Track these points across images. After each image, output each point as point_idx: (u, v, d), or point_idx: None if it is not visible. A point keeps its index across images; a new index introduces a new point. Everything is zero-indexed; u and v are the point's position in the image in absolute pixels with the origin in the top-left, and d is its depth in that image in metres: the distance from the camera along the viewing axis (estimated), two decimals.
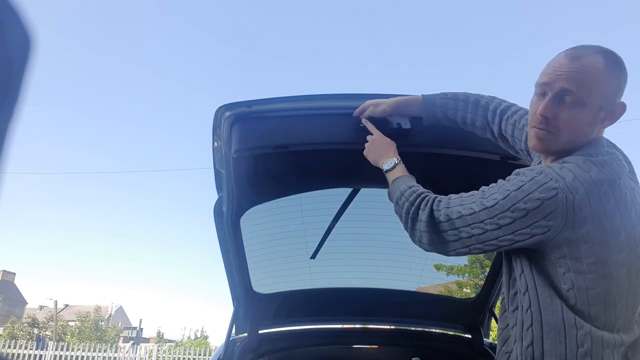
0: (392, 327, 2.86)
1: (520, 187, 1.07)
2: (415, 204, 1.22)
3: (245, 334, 2.51)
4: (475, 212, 1.11)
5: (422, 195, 1.23)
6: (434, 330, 2.88)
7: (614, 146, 1.21)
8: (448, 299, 2.89)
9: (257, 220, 2.09)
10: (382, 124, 1.55)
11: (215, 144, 1.66)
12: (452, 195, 1.20)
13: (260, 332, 2.52)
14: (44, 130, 56.44)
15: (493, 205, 1.09)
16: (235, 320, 2.45)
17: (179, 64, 61.81)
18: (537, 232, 1.05)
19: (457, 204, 1.16)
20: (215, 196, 1.99)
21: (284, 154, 1.63)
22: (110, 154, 57.24)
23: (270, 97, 1.56)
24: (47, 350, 16.42)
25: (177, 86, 58.91)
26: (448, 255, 1.22)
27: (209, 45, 62.23)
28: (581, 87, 1.10)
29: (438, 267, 2.80)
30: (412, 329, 2.82)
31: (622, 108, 1.15)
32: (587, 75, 1.11)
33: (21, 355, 16.09)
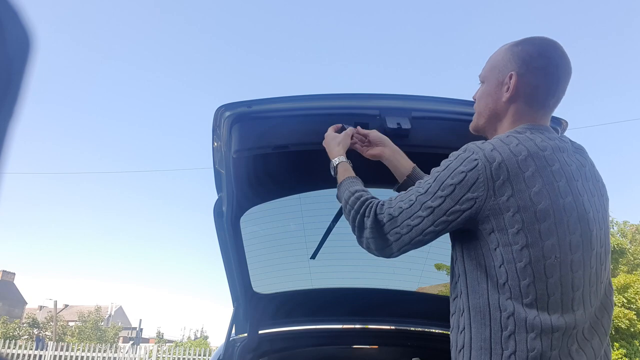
0: (392, 327, 2.85)
1: (447, 166, 1.12)
2: (360, 212, 1.21)
3: (245, 334, 2.50)
4: (413, 202, 1.14)
5: (367, 202, 1.22)
6: (434, 330, 2.88)
7: (571, 143, 1.23)
8: (448, 299, 2.88)
9: (257, 220, 2.09)
10: (381, 123, 1.55)
11: (215, 144, 1.66)
12: (394, 196, 1.22)
13: (260, 332, 2.52)
14: (44, 130, 56.44)
15: (426, 190, 1.13)
16: (235, 320, 2.45)
17: (179, 64, 61.80)
18: (466, 207, 1.08)
19: (398, 201, 1.17)
20: (215, 196, 1.99)
21: (284, 154, 1.63)
22: (111, 154, 57.25)
23: (270, 97, 1.56)
24: (46, 350, 16.41)
25: (177, 86, 58.90)
26: (393, 257, 1.21)
27: (209, 45, 62.20)
28: (485, 68, 1.30)
29: (438, 267, 2.79)
30: (412, 329, 2.82)
31: (511, 77, 1.21)
32: (490, 58, 1.30)
33: (21, 356, 16.08)
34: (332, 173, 1.42)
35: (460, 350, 1.12)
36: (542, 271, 1.04)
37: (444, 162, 1.15)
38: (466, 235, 1.14)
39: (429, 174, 1.18)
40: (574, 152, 1.20)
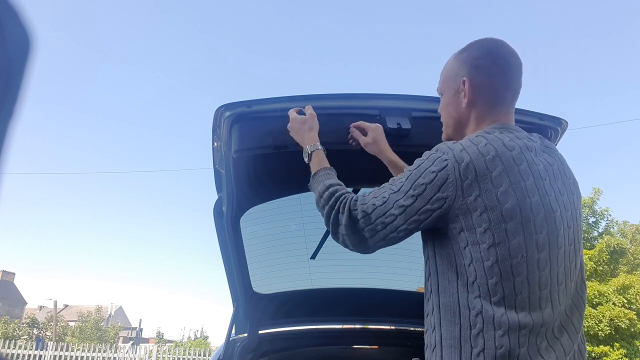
0: (392, 327, 2.85)
1: (418, 165, 1.14)
2: (335, 207, 1.21)
3: (245, 334, 2.50)
4: (386, 199, 1.15)
5: (341, 198, 1.22)
6: None
7: (538, 138, 1.24)
8: None
9: (257, 220, 2.09)
10: (381, 123, 1.55)
11: (215, 144, 1.66)
12: (368, 190, 1.23)
13: (260, 332, 2.52)
14: (44, 130, 56.45)
15: (399, 189, 1.14)
16: (235, 320, 2.45)
17: (179, 64, 61.81)
18: (436, 206, 1.09)
19: (372, 197, 1.18)
20: (215, 196, 1.99)
21: (284, 154, 1.63)
22: (111, 154, 57.27)
23: (270, 97, 1.56)
24: (46, 350, 16.41)
25: (177, 86, 58.90)
26: (369, 252, 1.22)
27: (209, 45, 62.19)
28: (440, 81, 1.35)
29: None
30: (412, 329, 2.81)
31: (464, 83, 1.25)
32: (442, 71, 1.35)
33: (21, 356, 16.08)
34: (306, 160, 1.41)
35: (433, 350, 1.13)
36: (509, 270, 1.05)
37: (417, 161, 1.16)
38: (438, 234, 1.15)
39: None
40: (542, 151, 1.21)
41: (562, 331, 1.13)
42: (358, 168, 1.54)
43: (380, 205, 1.15)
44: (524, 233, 1.07)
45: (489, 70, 1.24)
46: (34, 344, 17.21)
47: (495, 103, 1.25)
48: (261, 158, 1.63)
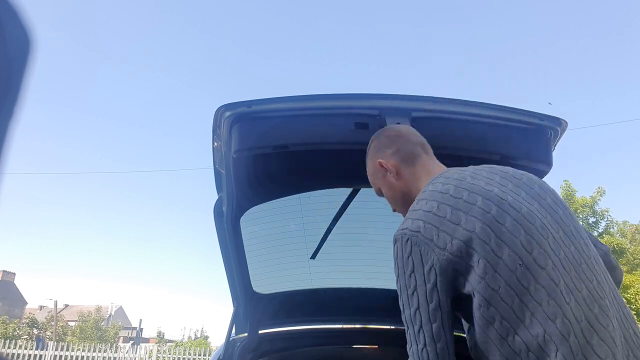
0: (392, 327, 2.85)
1: (397, 271, 1.16)
2: None
3: (245, 334, 2.50)
4: (406, 329, 1.17)
5: None
6: None
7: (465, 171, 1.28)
8: None
9: (257, 220, 2.09)
10: (381, 123, 1.55)
11: (215, 144, 1.66)
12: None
13: (260, 332, 2.52)
14: (44, 130, 56.46)
15: (403, 307, 1.16)
16: (235, 320, 2.45)
17: (179, 64, 61.82)
18: (433, 280, 1.10)
19: (410, 344, 1.18)
20: (215, 196, 1.99)
21: (284, 154, 1.63)
22: (111, 154, 57.28)
23: (270, 97, 1.56)
24: (47, 350, 16.42)
25: (177, 86, 58.91)
26: None
27: (209, 45, 62.19)
28: (372, 184, 1.47)
29: None
30: None
31: (381, 164, 1.39)
32: (369, 178, 1.47)
33: (21, 356, 16.08)
34: None
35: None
36: (518, 283, 1.04)
37: (396, 274, 1.17)
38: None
39: None
40: (480, 170, 1.26)
41: (606, 318, 1.05)
42: (358, 168, 1.54)
43: (409, 342, 1.17)
44: (506, 243, 1.07)
45: (386, 142, 1.40)
46: (34, 343, 17.22)
47: (413, 159, 1.36)
48: (261, 158, 1.63)
